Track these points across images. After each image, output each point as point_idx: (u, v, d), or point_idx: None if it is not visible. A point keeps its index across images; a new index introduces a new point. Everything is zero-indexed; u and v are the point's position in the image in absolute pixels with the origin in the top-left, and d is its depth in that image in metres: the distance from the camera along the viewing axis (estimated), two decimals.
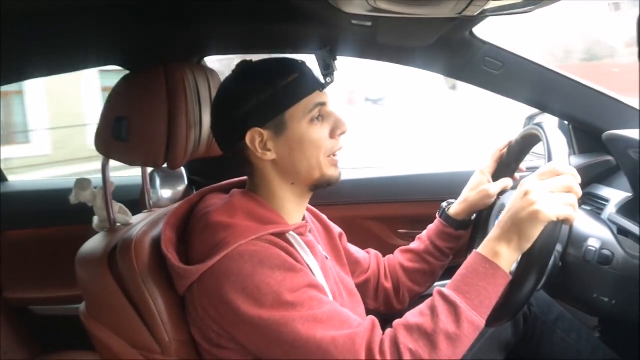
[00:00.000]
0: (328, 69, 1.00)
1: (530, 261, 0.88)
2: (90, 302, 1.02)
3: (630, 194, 1.29)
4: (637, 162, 1.25)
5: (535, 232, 0.81)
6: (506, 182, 1.18)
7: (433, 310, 0.82)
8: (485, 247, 0.86)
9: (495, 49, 1.39)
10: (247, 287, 0.82)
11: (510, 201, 0.86)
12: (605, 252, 0.98)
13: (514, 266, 0.87)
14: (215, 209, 0.93)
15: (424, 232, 1.22)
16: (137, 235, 0.98)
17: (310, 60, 1.02)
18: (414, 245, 1.22)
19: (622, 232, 1.17)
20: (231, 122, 0.93)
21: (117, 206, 1.12)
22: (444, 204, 1.21)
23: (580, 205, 1.37)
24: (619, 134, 1.28)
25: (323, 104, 0.94)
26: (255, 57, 0.98)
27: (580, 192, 0.83)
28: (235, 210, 0.92)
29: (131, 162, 1.10)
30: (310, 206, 1.10)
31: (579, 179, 0.83)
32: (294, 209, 0.98)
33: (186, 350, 0.95)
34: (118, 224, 1.11)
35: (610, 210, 1.29)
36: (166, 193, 1.39)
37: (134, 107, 1.02)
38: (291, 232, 0.93)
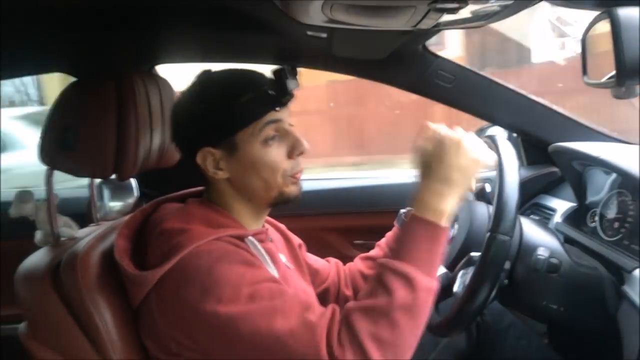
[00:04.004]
0: (288, 86, 0.98)
1: (483, 274, 0.91)
2: (32, 322, 0.96)
3: (575, 204, 1.34)
4: (581, 173, 1.31)
5: (472, 176, 0.87)
6: None
7: (385, 286, 0.79)
8: (422, 206, 0.84)
9: (447, 63, 1.43)
10: (205, 284, 0.79)
11: (433, 155, 0.86)
12: (554, 260, 1.01)
13: None
14: (170, 217, 0.90)
15: (383, 240, 1.23)
16: (83, 250, 0.93)
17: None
18: (373, 252, 1.22)
19: (568, 240, 1.22)
20: (184, 138, 0.93)
21: (61, 219, 1.06)
22: (402, 212, 1.22)
23: (528, 215, 1.43)
24: (563, 146, 1.33)
25: (277, 121, 0.91)
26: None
27: None
28: (192, 217, 0.90)
29: (78, 173, 1.06)
30: (268, 217, 1.08)
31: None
32: (252, 220, 0.96)
33: None
34: (63, 239, 1.05)
35: (556, 219, 1.34)
36: (115, 206, 1.35)
37: (81, 116, 0.98)
38: (250, 238, 0.91)
